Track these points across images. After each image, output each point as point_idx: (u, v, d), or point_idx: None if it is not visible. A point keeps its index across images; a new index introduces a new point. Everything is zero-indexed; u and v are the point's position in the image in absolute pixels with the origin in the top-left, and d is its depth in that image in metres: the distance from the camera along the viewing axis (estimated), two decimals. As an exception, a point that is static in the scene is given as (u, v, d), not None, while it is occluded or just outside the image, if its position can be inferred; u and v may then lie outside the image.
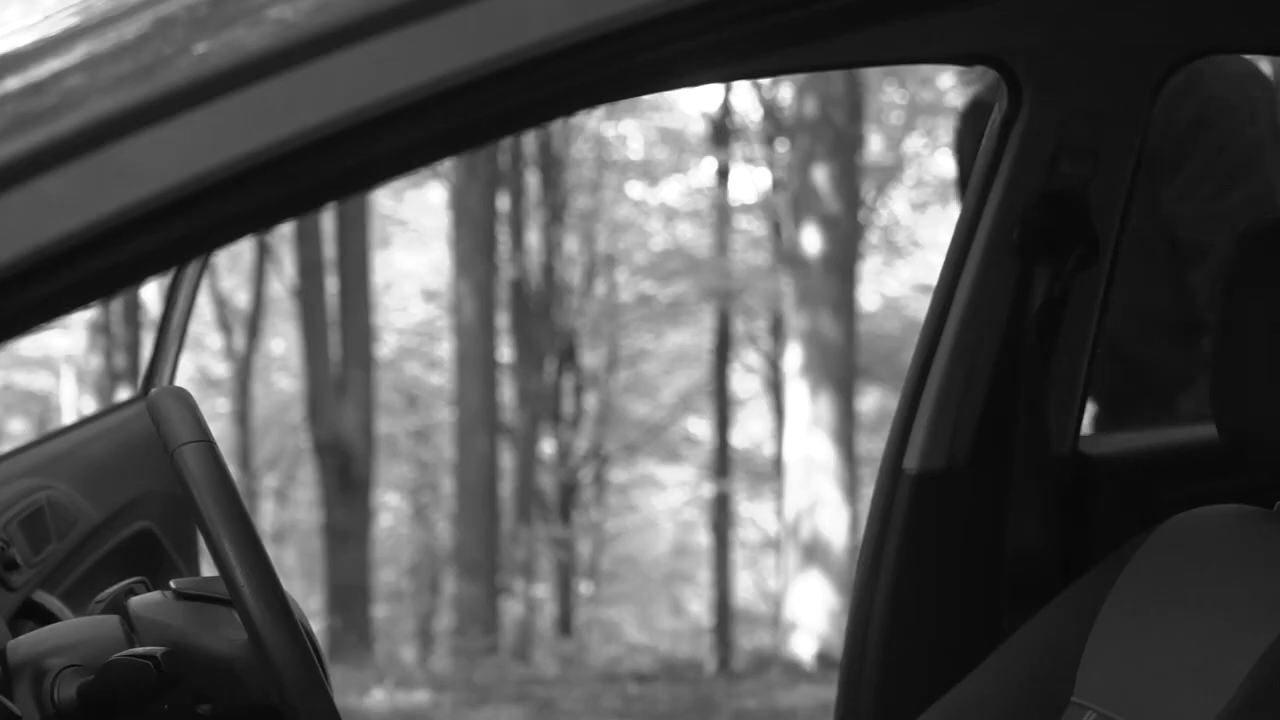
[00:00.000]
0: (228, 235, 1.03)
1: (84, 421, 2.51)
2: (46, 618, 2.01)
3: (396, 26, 1.02)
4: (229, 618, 1.48)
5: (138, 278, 1.01)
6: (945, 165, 15.25)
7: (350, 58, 1.01)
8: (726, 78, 2.04)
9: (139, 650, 1.46)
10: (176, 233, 0.99)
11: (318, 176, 1.02)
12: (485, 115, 1.04)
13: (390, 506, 18.46)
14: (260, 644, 1.34)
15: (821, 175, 10.85)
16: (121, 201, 0.97)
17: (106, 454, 2.36)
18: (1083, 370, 2.10)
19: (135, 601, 1.56)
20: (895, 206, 16.21)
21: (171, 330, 2.66)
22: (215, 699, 1.50)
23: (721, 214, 16.50)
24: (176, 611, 1.53)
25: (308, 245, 13.11)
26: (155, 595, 1.57)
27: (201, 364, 16.82)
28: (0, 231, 0.96)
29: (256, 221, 1.04)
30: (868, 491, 3.41)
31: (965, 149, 3.15)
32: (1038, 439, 2.04)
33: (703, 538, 18.39)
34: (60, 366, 15.85)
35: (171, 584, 1.55)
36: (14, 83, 1.08)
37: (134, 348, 13.46)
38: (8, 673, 1.46)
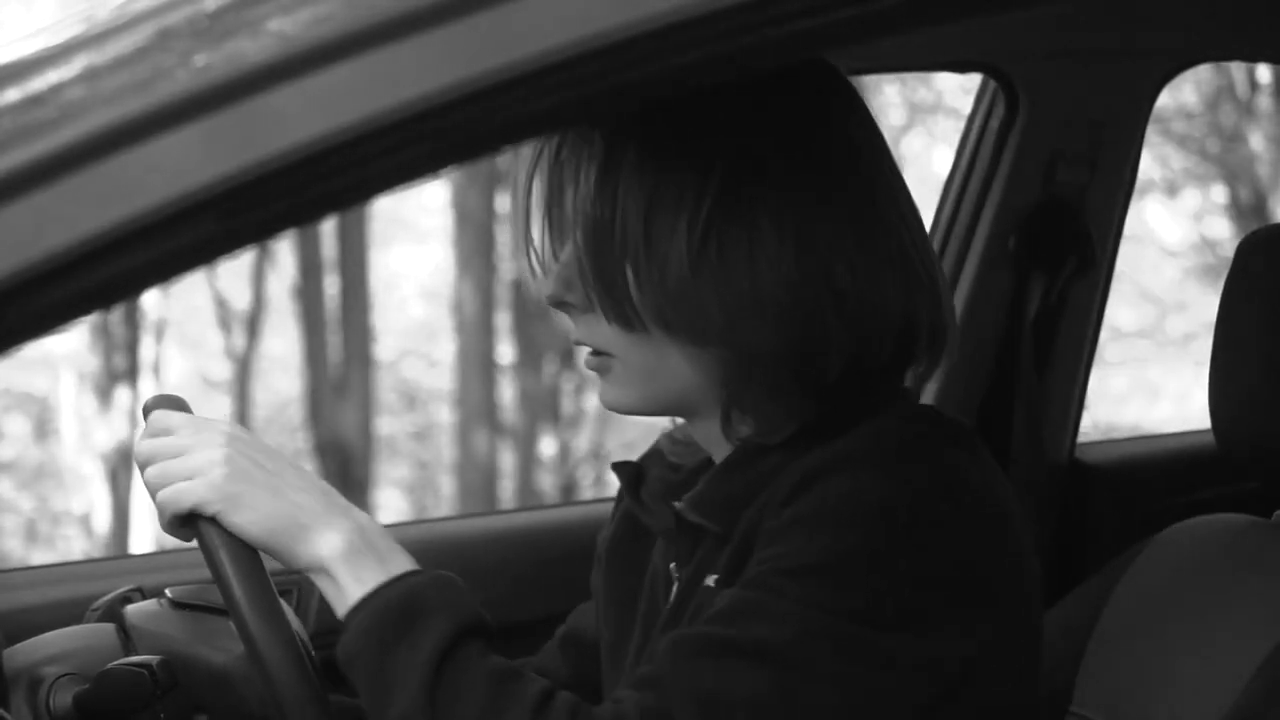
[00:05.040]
0: (229, 246, 1.03)
1: None
2: None
3: (394, 39, 1.02)
4: (225, 627, 1.48)
5: (137, 289, 1.01)
6: (945, 165, 15.22)
7: (350, 70, 1.01)
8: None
9: (135, 659, 1.45)
10: (177, 244, 0.99)
11: (320, 188, 1.02)
12: (486, 127, 1.04)
13: (390, 506, 18.43)
14: (256, 654, 1.34)
15: (821, 176, 10.85)
16: (122, 213, 0.97)
17: None
18: (1080, 378, 2.09)
19: (131, 610, 1.56)
20: (895, 207, 16.17)
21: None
22: (210, 709, 1.50)
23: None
24: (172, 621, 1.53)
25: (307, 245, 13.11)
26: (151, 604, 1.56)
27: (201, 364, 16.80)
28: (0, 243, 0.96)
29: (257, 233, 1.04)
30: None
31: None
32: (1034, 447, 2.04)
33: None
34: (59, 367, 15.83)
35: (167, 593, 1.55)
36: (14, 94, 1.08)
37: (133, 348, 13.45)
38: (3, 681, 1.46)
